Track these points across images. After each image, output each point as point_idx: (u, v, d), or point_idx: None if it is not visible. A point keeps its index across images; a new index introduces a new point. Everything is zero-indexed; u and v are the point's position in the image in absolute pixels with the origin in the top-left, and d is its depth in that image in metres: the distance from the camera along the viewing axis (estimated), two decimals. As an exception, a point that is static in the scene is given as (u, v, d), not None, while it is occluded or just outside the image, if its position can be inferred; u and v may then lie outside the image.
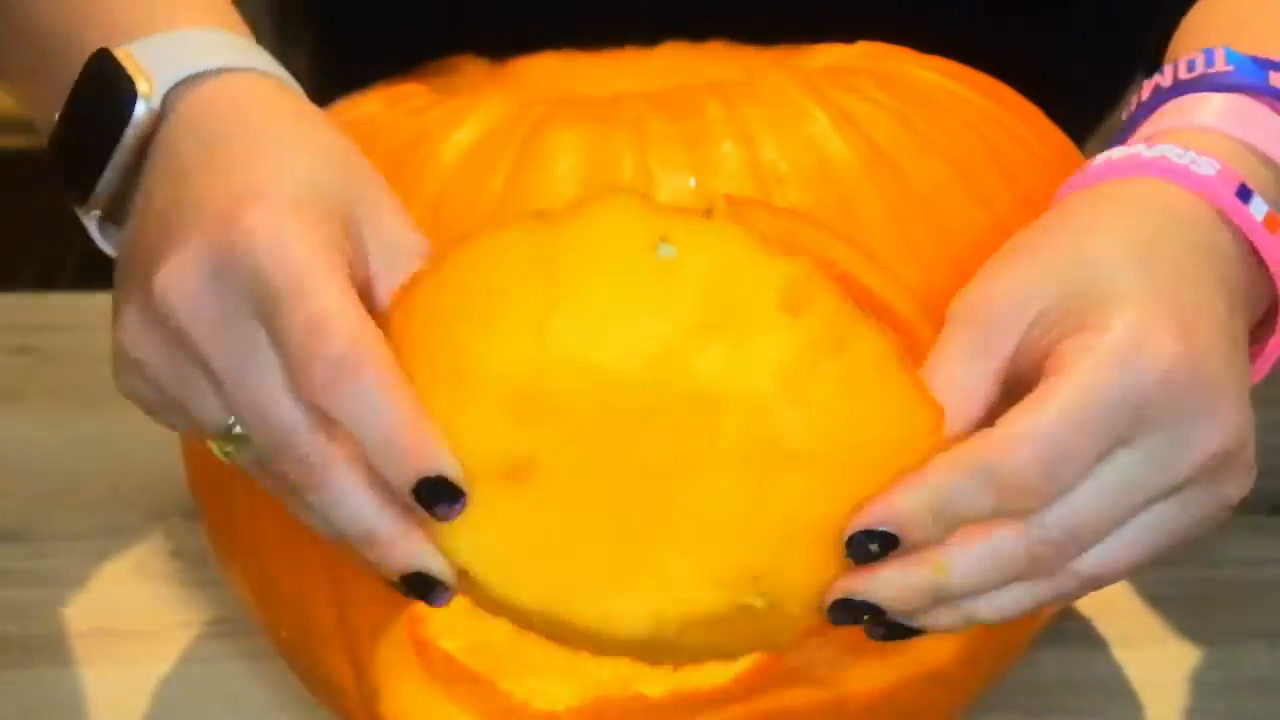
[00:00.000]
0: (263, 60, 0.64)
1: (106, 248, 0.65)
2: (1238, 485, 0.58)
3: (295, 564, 0.68)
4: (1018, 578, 0.56)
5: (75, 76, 0.63)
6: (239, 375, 0.57)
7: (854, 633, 0.58)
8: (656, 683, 0.67)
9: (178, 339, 0.58)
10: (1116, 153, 0.62)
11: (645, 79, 0.80)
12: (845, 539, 0.55)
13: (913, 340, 0.65)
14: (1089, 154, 0.77)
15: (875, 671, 0.67)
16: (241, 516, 0.69)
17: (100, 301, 1.07)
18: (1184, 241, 0.59)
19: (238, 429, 0.58)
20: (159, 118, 0.62)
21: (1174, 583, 0.82)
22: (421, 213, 0.66)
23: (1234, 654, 0.79)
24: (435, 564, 0.56)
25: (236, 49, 0.64)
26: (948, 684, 0.69)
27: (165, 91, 0.62)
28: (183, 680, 0.79)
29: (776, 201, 0.65)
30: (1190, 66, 0.65)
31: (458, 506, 0.55)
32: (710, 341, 0.55)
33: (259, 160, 0.59)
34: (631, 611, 0.56)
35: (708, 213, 0.56)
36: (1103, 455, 0.56)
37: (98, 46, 0.63)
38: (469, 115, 0.69)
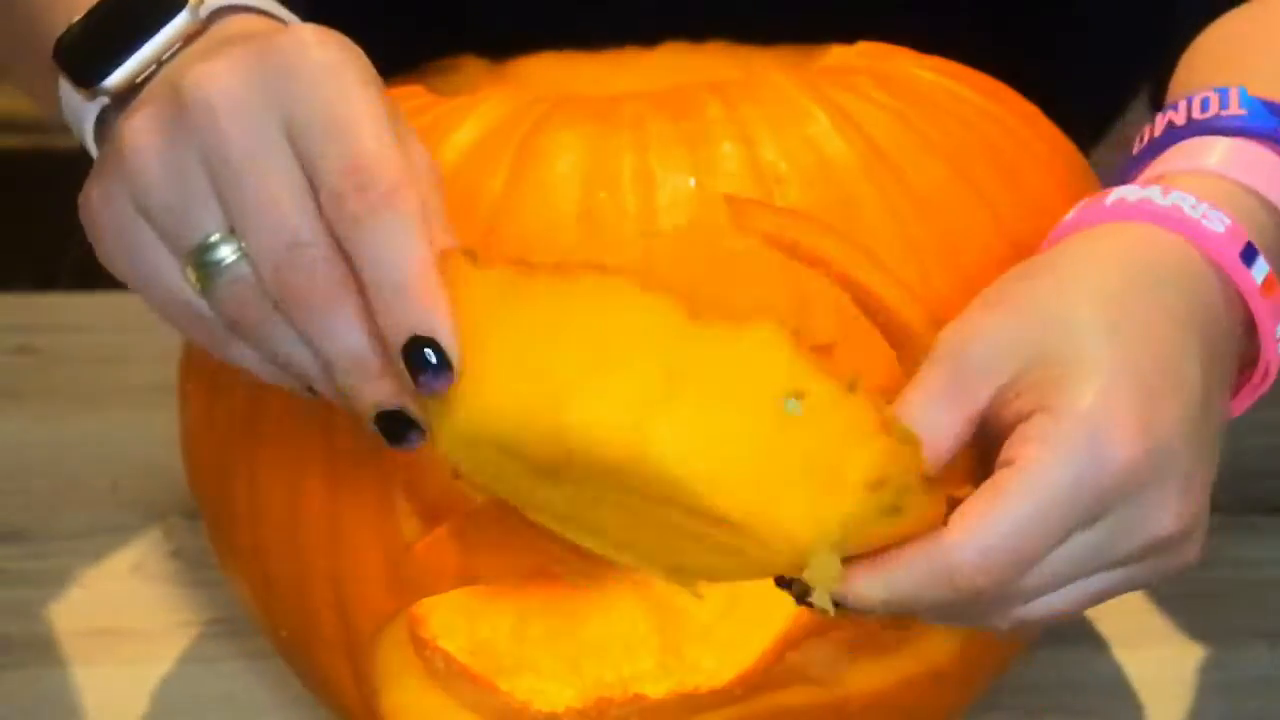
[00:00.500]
0: (290, 16, 0.64)
1: (91, 147, 0.63)
2: (1183, 560, 0.59)
3: (295, 564, 0.68)
4: (952, 610, 0.58)
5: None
6: (259, 173, 0.56)
7: (854, 632, 0.58)
8: (656, 683, 0.67)
9: (198, 133, 0.56)
10: (1131, 193, 0.62)
11: (645, 79, 0.80)
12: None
13: (912, 340, 0.65)
14: (1095, 161, 0.77)
15: (875, 671, 0.67)
16: (241, 516, 0.69)
17: (100, 301, 1.07)
18: (1167, 301, 0.60)
19: (221, 248, 0.57)
20: (197, 33, 0.61)
21: (1173, 582, 0.82)
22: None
23: (1234, 654, 0.79)
24: (413, 405, 0.56)
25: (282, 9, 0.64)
26: (948, 684, 0.69)
27: (213, 9, 0.61)
28: (183, 680, 0.79)
29: (776, 201, 0.65)
30: (1204, 106, 0.65)
31: (441, 379, 0.55)
32: (792, 493, 0.55)
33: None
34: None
35: (852, 385, 0.55)
36: (1056, 546, 0.57)
37: None
38: (469, 115, 0.69)
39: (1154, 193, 0.62)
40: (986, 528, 0.56)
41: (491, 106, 0.69)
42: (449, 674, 0.68)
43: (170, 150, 0.57)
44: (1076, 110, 0.76)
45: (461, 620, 0.68)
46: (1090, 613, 0.80)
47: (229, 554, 0.72)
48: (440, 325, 0.55)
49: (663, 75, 0.80)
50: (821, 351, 0.63)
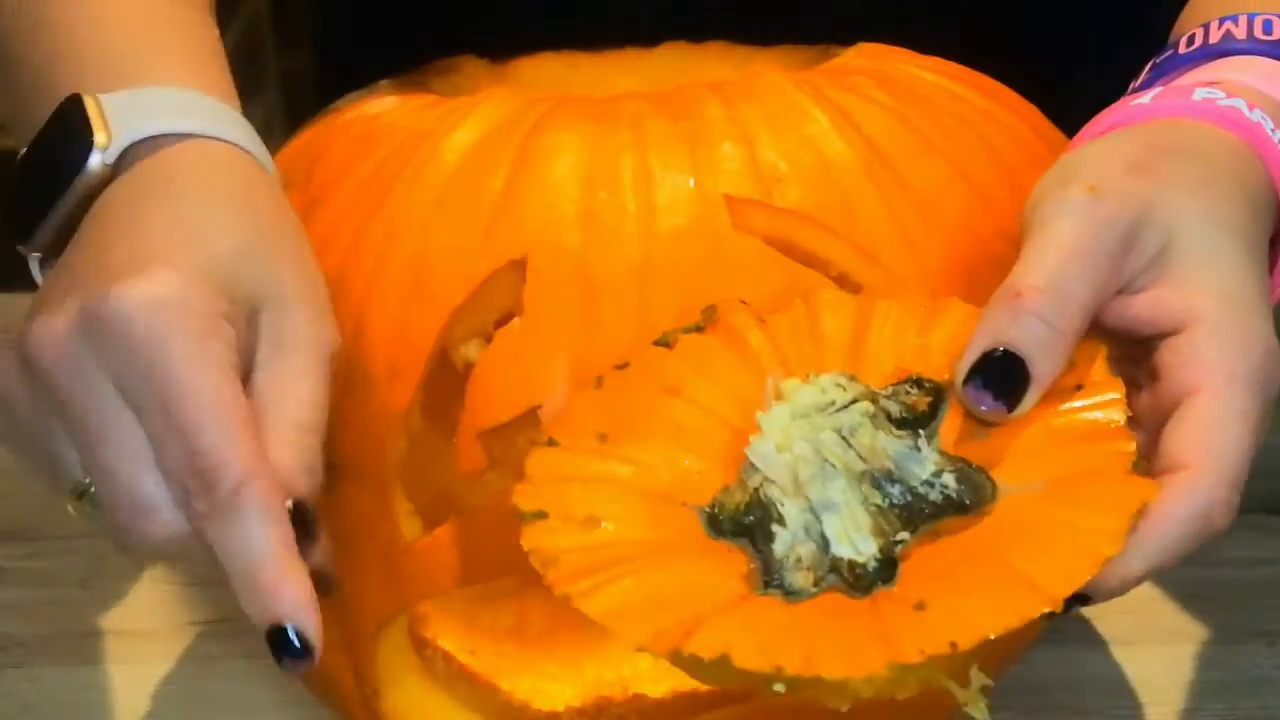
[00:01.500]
0: (236, 129, 0.63)
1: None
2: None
3: (295, 564, 0.68)
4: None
5: (44, 117, 0.63)
6: (100, 438, 0.56)
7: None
8: (656, 683, 0.67)
9: (44, 389, 0.57)
10: (1219, 98, 0.64)
11: (645, 79, 0.80)
12: None
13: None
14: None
15: (875, 671, 0.67)
16: (241, 516, 0.69)
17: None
18: (1259, 216, 0.63)
19: (94, 489, 0.58)
20: (112, 173, 0.61)
21: (1173, 582, 0.82)
22: (422, 211, 0.66)
23: (1234, 654, 0.79)
24: (308, 621, 0.55)
25: (211, 114, 0.63)
26: (948, 684, 0.69)
27: (124, 148, 0.61)
28: (183, 680, 0.79)
29: (776, 201, 0.65)
30: (1266, 28, 0.67)
31: (305, 661, 0.55)
32: None
33: (177, 227, 0.59)
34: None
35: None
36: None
37: (67, 89, 0.63)
38: (469, 115, 0.69)
39: (1239, 103, 0.64)
40: (1229, 457, 0.58)
41: (491, 106, 0.69)
42: (449, 674, 0.68)
43: (31, 400, 0.58)
44: (1075, 108, 0.76)
45: (461, 620, 0.68)
46: (1090, 612, 0.80)
47: (229, 554, 0.72)
48: (293, 614, 0.55)
49: (663, 75, 0.80)
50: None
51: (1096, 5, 0.94)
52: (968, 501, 0.57)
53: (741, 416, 0.60)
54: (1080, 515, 0.56)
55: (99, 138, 0.61)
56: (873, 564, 0.56)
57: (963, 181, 0.68)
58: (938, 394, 0.60)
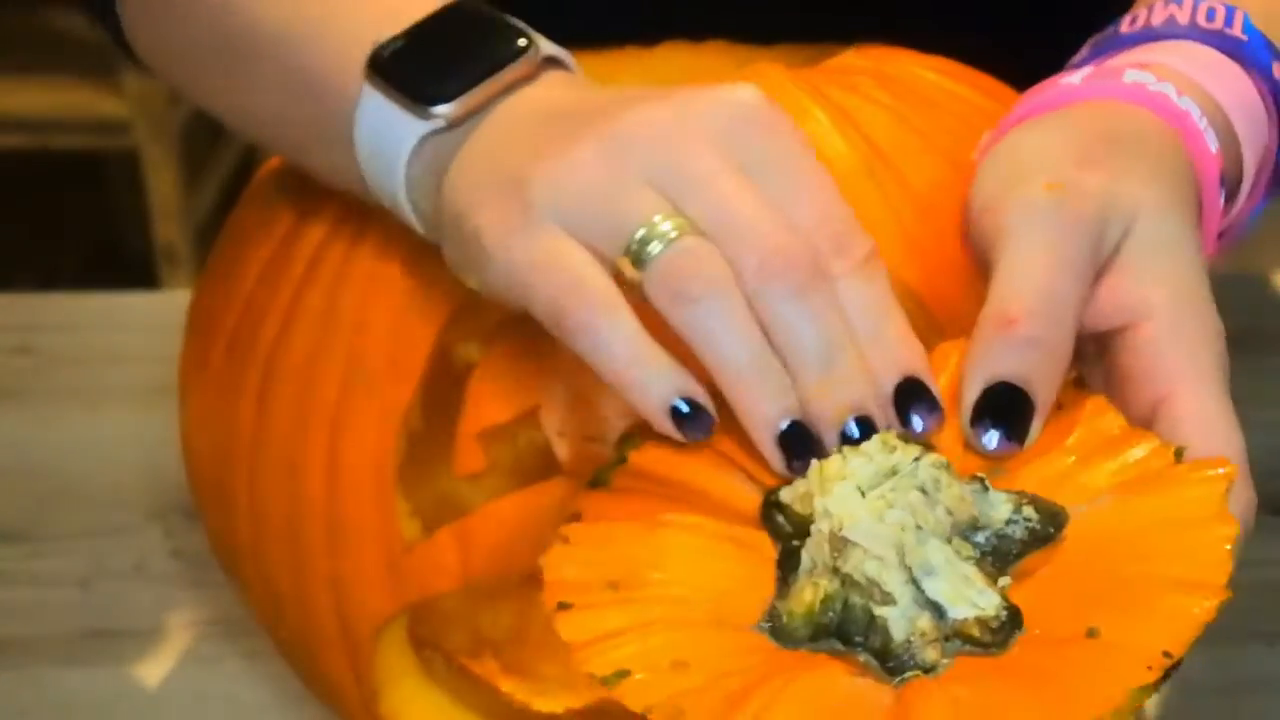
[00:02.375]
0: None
1: (401, 171, 0.61)
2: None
3: (295, 564, 0.68)
4: None
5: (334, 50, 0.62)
6: (729, 187, 0.55)
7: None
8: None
9: (657, 148, 0.55)
10: (1149, 82, 0.63)
11: (645, 79, 0.80)
12: None
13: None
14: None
15: (875, 671, 0.67)
16: (242, 516, 0.69)
17: (100, 301, 1.08)
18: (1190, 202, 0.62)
19: (663, 225, 0.55)
20: (529, 75, 0.60)
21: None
22: (421, 213, 0.66)
23: (1234, 654, 0.79)
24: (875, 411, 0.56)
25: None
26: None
27: (545, 56, 0.61)
28: (183, 680, 0.79)
29: (776, 201, 0.65)
30: (1210, 15, 0.66)
31: (933, 418, 0.56)
32: None
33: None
34: None
35: None
36: None
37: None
38: (469, 115, 0.69)
39: (1169, 89, 0.63)
40: (1237, 456, 0.57)
41: (491, 106, 0.69)
42: (448, 674, 0.68)
43: (614, 166, 0.55)
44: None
45: (461, 620, 0.68)
46: (1090, 613, 0.80)
47: (229, 554, 0.72)
48: (929, 378, 0.56)
49: (663, 75, 0.80)
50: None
51: (1097, 6, 0.94)
52: (1051, 531, 0.55)
53: (736, 521, 0.57)
54: (1180, 509, 0.54)
55: (525, 42, 0.61)
56: (1003, 614, 0.53)
57: (963, 182, 0.67)
58: None
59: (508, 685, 0.68)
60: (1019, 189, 0.59)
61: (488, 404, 0.64)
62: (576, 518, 0.57)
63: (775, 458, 0.55)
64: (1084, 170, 0.59)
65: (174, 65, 0.72)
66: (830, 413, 0.55)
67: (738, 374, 0.55)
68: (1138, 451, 0.56)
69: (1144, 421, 0.57)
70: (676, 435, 0.55)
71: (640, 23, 0.81)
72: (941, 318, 0.65)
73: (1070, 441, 0.57)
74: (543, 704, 0.68)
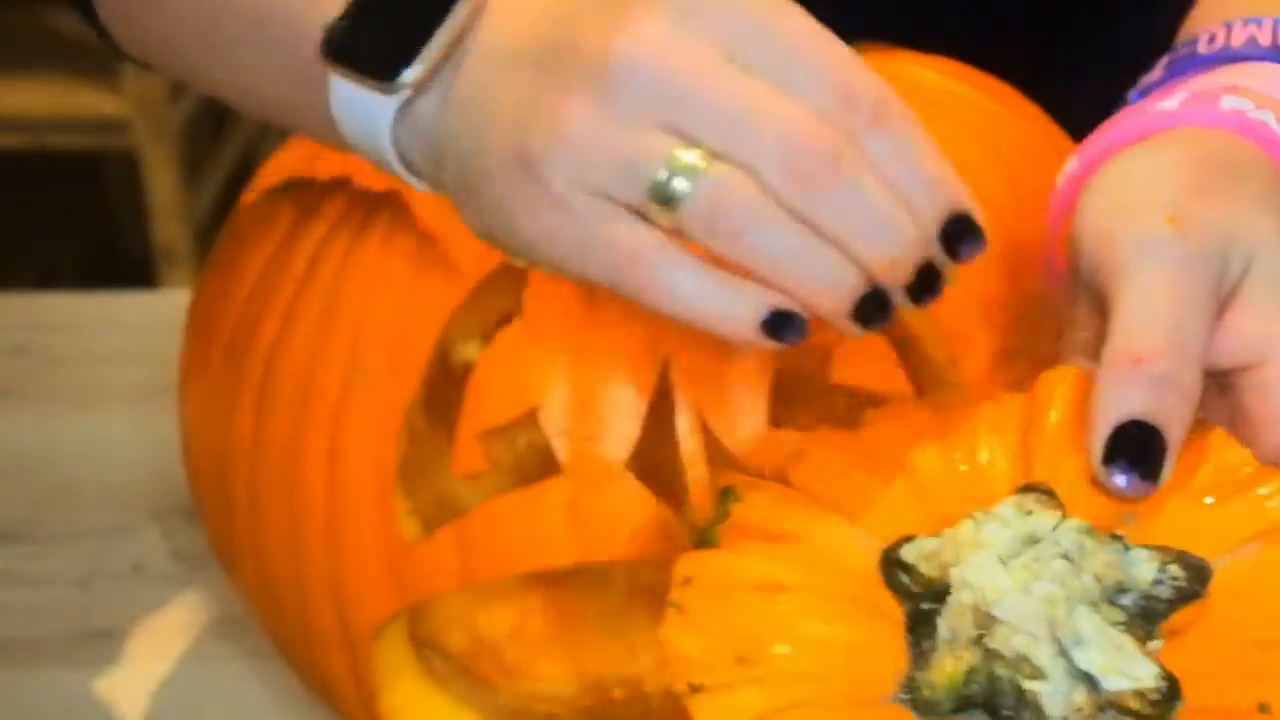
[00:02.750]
0: None
1: (388, 148, 0.59)
2: None
3: (295, 564, 0.68)
4: None
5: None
6: (732, 86, 0.53)
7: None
8: (657, 682, 0.67)
9: (647, 79, 0.53)
10: (1249, 110, 0.62)
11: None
12: None
13: (912, 340, 0.65)
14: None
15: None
16: (241, 516, 0.69)
17: (100, 301, 1.08)
18: None
19: (685, 156, 0.53)
20: (480, 7, 0.57)
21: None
22: (422, 211, 0.66)
23: None
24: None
25: None
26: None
27: None
28: (183, 680, 0.79)
29: (776, 201, 0.65)
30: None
31: (978, 245, 0.55)
32: None
33: None
34: None
35: None
36: None
37: None
38: (469, 115, 0.69)
39: (1269, 117, 0.62)
40: None
41: (491, 106, 0.69)
42: (449, 674, 0.68)
43: (612, 111, 0.53)
44: (1076, 109, 0.76)
45: (461, 620, 0.68)
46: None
47: (229, 554, 0.72)
48: (972, 205, 0.55)
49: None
50: (821, 351, 0.63)
51: (1096, 8, 0.94)
52: (1198, 589, 0.53)
53: (851, 577, 0.55)
54: None
55: None
56: (1162, 685, 0.50)
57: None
58: None
59: (507, 685, 0.68)
60: (1136, 222, 0.58)
61: (488, 404, 0.64)
62: (688, 582, 0.54)
63: (853, 330, 0.54)
64: (1200, 202, 0.59)
65: (156, 52, 0.71)
66: (896, 279, 0.54)
67: (798, 283, 0.53)
68: (1273, 494, 0.55)
69: (1272, 464, 0.56)
70: (776, 346, 0.54)
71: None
72: (942, 317, 0.65)
73: (1199, 480, 0.56)
74: (543, 704, 0.68)
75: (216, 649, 0.80)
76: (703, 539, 0.56)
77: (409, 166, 0.59)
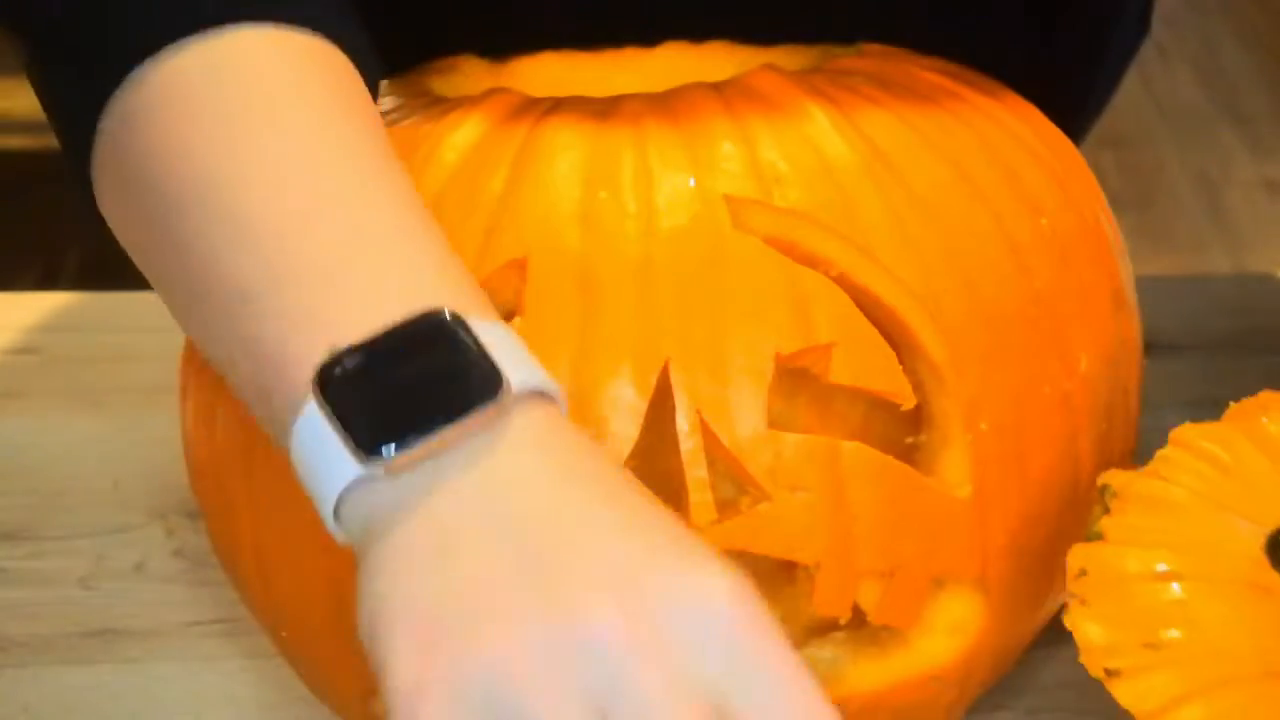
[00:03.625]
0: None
1: (329, 511, 0.55)
2: None
3: (295, 564, 0.68)
4: None
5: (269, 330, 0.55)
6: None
7: (853, 633, 0.57)
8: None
9: (609, 653, 0.49)
10: None
11: (645, 79, 0.80)
12: None
13: (912, 340, 0.65)
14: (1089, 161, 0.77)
15: (875, 671, 0.67)
16: (242, 516, 0.69)
17: (100, 301, 1.07)
18: None
19: None
20: (491, 421, 0.52)
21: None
22: (421, 213, 0.66)
23: (1234, 654, 0.78)
24: None
25: (530, 361, 0.55)
26: (948, 684, 0.69)
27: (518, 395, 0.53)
28: (183, 680, 0.79)
29: (776, 201, 0.65)
30: None
31: None
32: None
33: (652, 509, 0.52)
34: None
35: None
36: None
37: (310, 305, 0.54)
38: (469, 115, 0.69)
39: None
40: None
41: (492, 106, 0.69)
42: (449, 674, 0.68)
43: (556, 673, 0.49)
44: (1070, 107, 0.77)
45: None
46: (1090, 613, 0.80)
47: (229, 553, 0.72)
48: None
49: (663, 75, 0.80)
50: (821, 351, 0.63)
51: (1094, 8, 0.95)
52: None
53: (1241, 563, 0.55)
54: None
55: (497, 379, 0.53)
56: None
57: (963, 181, 0.67)
58: None
59: (508, 685, 0.68)
60: None
61: (488, 404, 0.64)
62: (1083, 574, 0.57)
63: None
64: None
65: (137, 257, 0.66)
66: None
67: None
68: None
69: None
70: None
71: (640, 23, 0.81)
72: (940, 318, 0.65)
73: None
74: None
75: (217, 648, 0.80)
76: (1092, 534, 0.59)
77: (340, 526, 0.55)
